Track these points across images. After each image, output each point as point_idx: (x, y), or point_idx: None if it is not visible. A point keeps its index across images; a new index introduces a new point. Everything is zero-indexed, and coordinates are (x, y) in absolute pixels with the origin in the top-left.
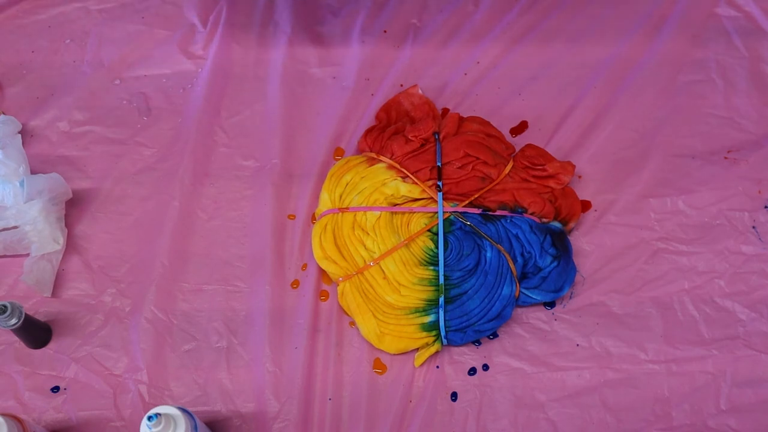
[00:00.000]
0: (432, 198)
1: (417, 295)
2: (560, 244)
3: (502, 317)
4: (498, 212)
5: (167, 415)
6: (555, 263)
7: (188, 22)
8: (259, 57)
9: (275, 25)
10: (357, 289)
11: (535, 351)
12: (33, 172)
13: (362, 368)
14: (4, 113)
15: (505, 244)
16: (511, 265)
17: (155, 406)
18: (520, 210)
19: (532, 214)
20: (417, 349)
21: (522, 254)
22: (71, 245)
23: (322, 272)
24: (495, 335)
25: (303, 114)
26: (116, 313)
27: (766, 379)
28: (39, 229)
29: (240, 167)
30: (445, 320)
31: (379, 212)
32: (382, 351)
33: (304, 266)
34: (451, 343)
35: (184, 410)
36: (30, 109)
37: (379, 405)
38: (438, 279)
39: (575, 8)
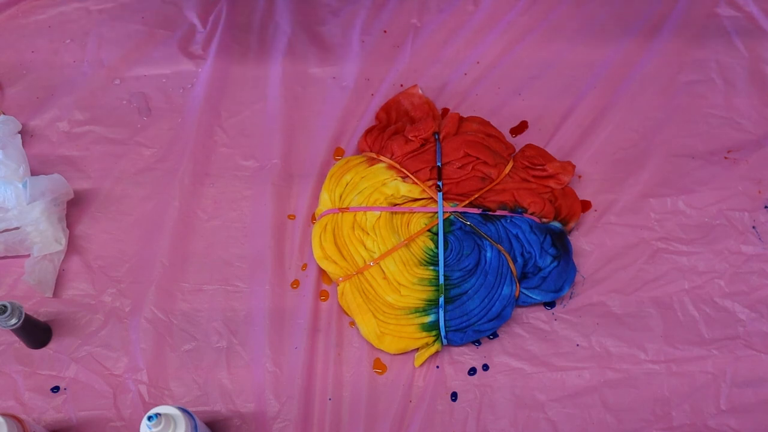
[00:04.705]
0: (432, 198)
1: (417, 295)
2: (560, 244)
3: (502, 317)
4: (498, 212)
5: (167, 415)
6: (555, 263)
7: (188, 22)
8: (259, 57)
9: (275, 25)
10: (357, 289)
11: (535, 351)
12: (33, 172)
13: (362, 368)
14: (4, 113)
15: (505, 244)
16: (511, 265)
17: (155, 406)
18: (520, 210)
19: (532, 214)
20: (417, 349)
21: (522, 254)
22: (71, 245)
23: (322, 272)
24: (495, 335)
25: (303, 114)
26: (116, 313)
27: (766, 379)
28: (41, 230)
29: (240, 167)
30: (445, 320)
31: (379, 212)
32: (382, 351)
33: (304, 266)
34: (451, 343)
35: (184, 410)
36: (30, 109)
37: (379, 405)
38: (438, 279)
39: (575, 8)
